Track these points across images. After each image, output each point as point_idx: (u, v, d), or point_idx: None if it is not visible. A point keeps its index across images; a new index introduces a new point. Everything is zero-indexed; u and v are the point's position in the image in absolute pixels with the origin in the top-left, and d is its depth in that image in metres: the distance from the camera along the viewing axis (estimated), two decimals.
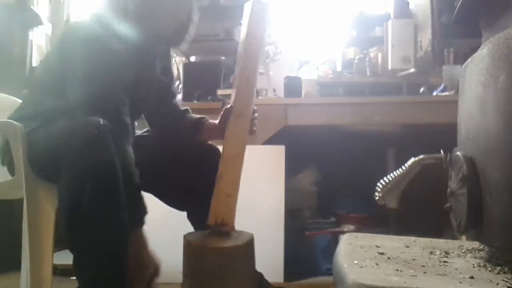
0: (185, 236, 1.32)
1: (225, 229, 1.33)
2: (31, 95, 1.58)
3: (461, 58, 2.64)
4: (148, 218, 1.43)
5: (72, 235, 1.29)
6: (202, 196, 1.52)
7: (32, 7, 2.69)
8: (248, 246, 1.31)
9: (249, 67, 1.48)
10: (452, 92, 2.36)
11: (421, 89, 2.58)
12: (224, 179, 1.37)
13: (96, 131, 1.26)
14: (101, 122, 1.29)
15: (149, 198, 1.65)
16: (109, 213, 1.27)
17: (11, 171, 1.53)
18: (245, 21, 1.56)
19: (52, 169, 1.40)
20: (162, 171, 1.60)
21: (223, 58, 2.93)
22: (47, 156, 1.39)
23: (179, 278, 1.31)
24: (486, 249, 1.25)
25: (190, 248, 1.28)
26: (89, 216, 1.25)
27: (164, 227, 1.93)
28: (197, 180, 1.57)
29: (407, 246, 1.40)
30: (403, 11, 2.83)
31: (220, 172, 1.38)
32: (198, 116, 1.75)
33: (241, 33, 1.57)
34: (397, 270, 1.09)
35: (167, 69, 1.74)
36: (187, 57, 3.08)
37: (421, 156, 1.53)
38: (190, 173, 1.59)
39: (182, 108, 1.80)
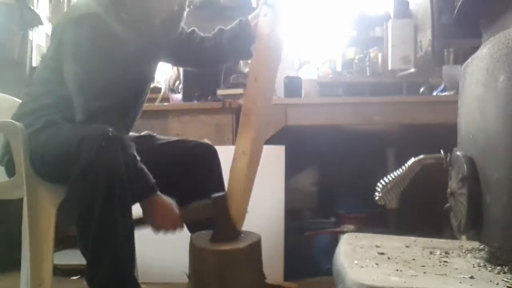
0: (191, 237, 1.33)
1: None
2: (30, 88, 1.59)
3: (461, 58, 2.63)
4: None
5: (84, 244, 1.31)
6: (195, 194, 1.53)
7: (32, 7, 2.69)
8: (252, 248, 1.31)
9: (257, 68, 1.49)
10: (452, 92, 2.35)
11: (421, 89, 2.58)
12: (230, 177, 1.37)
13: (104, 144, 1.28)
14: (110, 133, 1.30)
15: None
16: (118, 226, 1.30)
17: (9, 171, 1.54)
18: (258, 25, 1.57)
19: (57, 172, 1.42)
20: (157, 170, 1.61)
21: None
22: (53, 159, 1.40)
23: (179, 278, 1.31)
24: (486, 249, 1.25)
25: (193, 249, 1.29)
26: (100, 227, 1.28)
27: None
28: (191, 179, 1.58)
29: (407, 246, 1.40)
30: (403, 11, 2.82)
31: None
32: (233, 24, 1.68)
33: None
34: (397, 270, 1.09)
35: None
36: None
37: (421, 156, 1.53)
38: (184, 172, 1.60)
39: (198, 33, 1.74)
